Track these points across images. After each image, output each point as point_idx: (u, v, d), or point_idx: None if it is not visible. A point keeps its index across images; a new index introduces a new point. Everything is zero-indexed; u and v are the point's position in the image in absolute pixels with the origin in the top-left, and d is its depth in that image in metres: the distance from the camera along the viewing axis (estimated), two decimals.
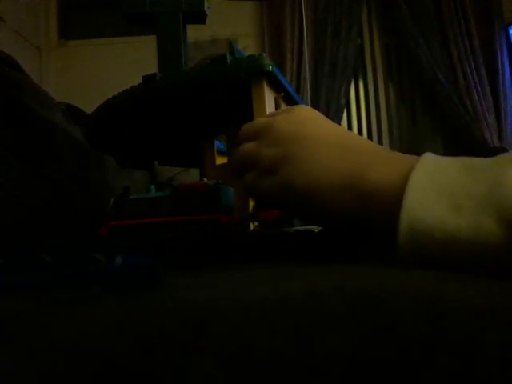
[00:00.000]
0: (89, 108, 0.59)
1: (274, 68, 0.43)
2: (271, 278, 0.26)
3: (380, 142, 3.18)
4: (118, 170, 0.67)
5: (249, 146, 0.39)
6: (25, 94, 0.61)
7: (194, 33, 0.62)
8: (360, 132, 3.23)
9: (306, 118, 0.38)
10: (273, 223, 0.40)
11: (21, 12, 2.93)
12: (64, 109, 0.68)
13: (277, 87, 0.46)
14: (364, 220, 0.31)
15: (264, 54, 0.43)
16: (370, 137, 3.21)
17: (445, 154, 0.31)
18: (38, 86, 0.65)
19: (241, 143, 0.40)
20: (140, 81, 0.47)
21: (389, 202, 0.29)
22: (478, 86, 2.92)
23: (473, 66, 2.94)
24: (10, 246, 0.42)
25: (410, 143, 3.17)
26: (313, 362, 0.15)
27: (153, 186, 0.43)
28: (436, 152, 0.31)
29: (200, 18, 0.53)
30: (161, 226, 0.41)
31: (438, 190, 0.27)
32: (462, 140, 2.95)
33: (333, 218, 0.34)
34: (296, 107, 0.40)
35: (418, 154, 0.31)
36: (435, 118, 3.13)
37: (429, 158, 0.30)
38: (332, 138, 0.36)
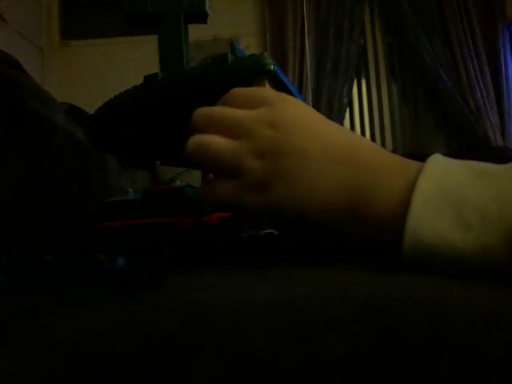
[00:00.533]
0: (91, 108, 0.59)
1: (276, 67, 0.42)
2: (272, 279, 0.26)
3: (383, 141, 3.17)
4: (119, 170, 0.67)
5: (223, 145, 0.33)
6: (26, 94, 0.61)
7: (195, 32, 0.62)
8: (363, 131, 3.23)
9: (295, 118, 0.33)
10: (216, 227, 0.38)
11: (23, 12, 2.93)
12: (66, 109, 0.68)
13: (279, 87, 0.46)
14: (362, 239, 0.30)
15: (266, 54, 0.42)
16: (372, 136, 3.20)
17: (448, 154, 0.30)
18: (40, 86, 0.65)
19: (202, 129, 0.34)
20: (142, 81, 0.46)
21: (392, 219, 0.27)
22: (481, 84, 2.91)
23: (476, 64, 2.93)
24: (10, 246, 0.42)
25: (413, 142, 3.16)
26: (314, 364, 0.15)
27: (131, 189, 0.43)
28: (439, 151, 0.30)
29: (201, 17, 0.53)
30: (128, 229, 0.40)
31: (444, 202, 0.25)
32: (466, 139, 2.94)
33: (326, 238, 0.32)
34: (280, 100, 0.34)
35: (422, 153, 0.30)
36: (438, 117, 3.12)
37: (435, 163, 0.28)
38: (328, 147, 0.31)
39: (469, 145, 2.89)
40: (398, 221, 0.26)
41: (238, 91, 0.36)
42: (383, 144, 3.15)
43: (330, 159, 0.30)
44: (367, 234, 0.29)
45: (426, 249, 0.25)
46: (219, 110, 0.35)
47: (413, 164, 0.29)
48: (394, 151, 3.04)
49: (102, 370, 0.15)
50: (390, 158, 0.31)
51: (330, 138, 0.32)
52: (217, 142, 0.33)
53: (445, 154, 0.29)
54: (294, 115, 0.33)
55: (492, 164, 0.27)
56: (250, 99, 0.35)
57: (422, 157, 0.29)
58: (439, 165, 0.27)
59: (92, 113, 0.53)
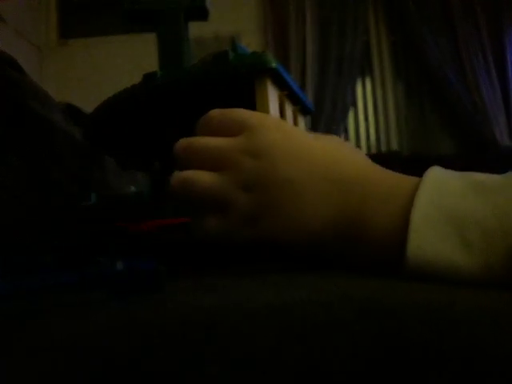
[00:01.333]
0: (89, 107, 0.59)
1: (278, 65, 0.42)
2: (272, 282, 0.26)
3: (388, 141, 3.16)
4: (119, 170, 0.66)
5: (208, 180, 0.32)
6: (25, 94, 0.60)
7: (196, 30, 0.61)
8: (367, 131, 3.20)
9: (277, 144, 0.31)
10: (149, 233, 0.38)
11: (21, 11, 2.93)
12: (64, 108, 0.68)
13: (281, 85, 0.45)
14: (362, 260, 0.29)
15: (268, 51, 0.42)
16: (377, 136, 3.18)
17: (455, 154, 0.29)
18: (39, 86, 0.65)
19: (183, 162, 0.34)
20: (140, 79, 0.46)
21: (392, 243, 0.26)
22: (488, 83, 2.90)
23: (482, 63, 2.92)
24: (9, 247, 0.42)
25: (419, 142, 3.13)
26: (316, 365, 0.15)
27: (94, 194, 0.43)
28: (445, 151, 0.30)
29: (202, 14, 0.53)
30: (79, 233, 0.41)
31: (444, 222, 0.24)
32: (472, 139, 2.92)
33: (324, 258, 0.31)
34: (259, 125, 0.32)
35: (428, 154, 0.30)
36: (444, 117, 3.10)
37: (432, 180, 0.26)
38: (315, 174, 0.30)
39: (476, 145, 2.87)
40: (399, 244, 0.25)
41: (215, 114, 0.35)
42: (388, 144, 3.13)
43: (318, 189, 0.29)
44: (366, 256, 0.28)
45: (428, 269, 0.24)
46: (198, 141, 0.34)
47: (408, 181, 0.28)
48: (399, 151, 3.04)
49: (102, 370, 0.15)
50: (382, 178, 0.29)
51: (316, 162, 0.30)
52: (201, 177, 0.32)
53: (452, 155, 0.28)
54: (276, 141, 0.31)
55: (491, 176, 0.26)
56: (228, 123, 0.34)
57: (427, 158, 0.29)
58: (436, 181, 0.26)
59: (90, 112, 0.53)
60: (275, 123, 0.33)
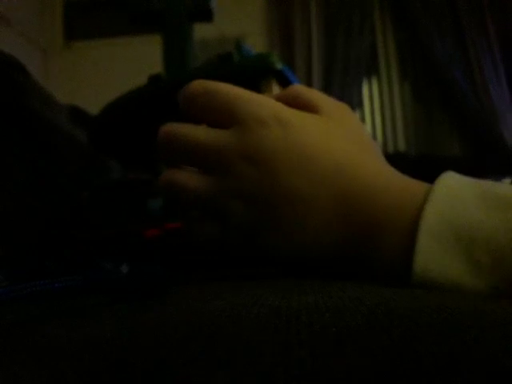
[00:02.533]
0: (95, 109, 0.59)
1: (283, 66, 0.41)
2: (281, 288, 0.26)
3: (395, 142, 3.13)
4: (123, 172, 0.67)
5: (201, 185, 0.28)
6: (29, 96, 0.61)
7: (201, 31, 0.61)
8: (374, 132, 3.19)
9: (279, 149, 0.27)
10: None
11: (26, 14, 2.95)
12: (68, 111, 0.68)
13: (286, 86, 0.45)
14: (370, 272, 0.27)
15: (273, 52, 0.42)
16: (384, 137, 3.16)
17: (463, 155, 0.28)
18: (43, 88, 0.65)
19: (167, 152, 0.29)
20: (146, 81, 0.46)
21: (398, 262, 0.25)
22: (496, 83, 2.88)
23: (490, 63, 2.90)
24: (13, 252, 0.42)
25: (427, 143, 3.10)
26: (325, 374, 0.14)
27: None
28: (453, 151, 0.29)
29: (206, 15, 0.53)
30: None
31: (453, 238, 0.23)
32: (480, 139, 2.89)
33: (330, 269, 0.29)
34: (256, 124, 0.27)
35: (435, 154, 0.29)
36: (452, 117, 3.07)
37: (443, 189, 0.25)
38: (318, 185, 0.26)
39: (484, 146, 2.84)
40: (408, 261, 0.24)
41: (198, 92, 0.29)
42: (395, 145, 3.12)
43: (323, 204, 0.26)
44: (373, 272, 0.27)
45: (434, 286, 0.23)
46: (184, 131, 0.29)
47: (417, 189, 0.26)
48: (406, 152, 3.02)
49: (108, 380, 0.14)
50: (391, 186, 0.27)
51: (321, 172, 0.27)
52: (190, 181, 0.28)
53: (460, 156, 0.27)
54: (276, 142, 0.27)
55: (504, 187, 0.24)
56: (216, 109, 0.29)
57: (435, 159, 0.28)
58: (447, 192, 0.24)
59: (95, 114, 0.53)
60: (273, 115, 0.28)
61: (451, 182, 0.25)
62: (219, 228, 0.29)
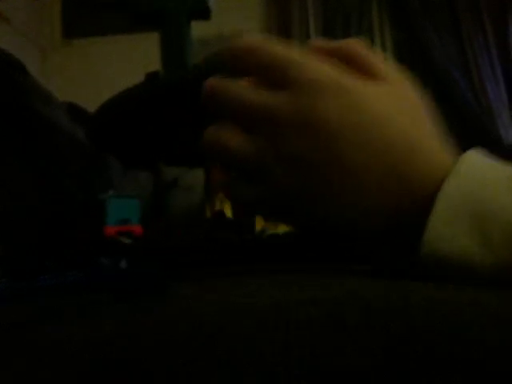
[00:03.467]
0: (93, 107, 0.59)
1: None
2: (280, 282, 0.26)
3: None
4: (123, 171, 0.66)
5: (245, 147, 0.27)
6: (28, 94, 0.60)
7: (199, 29, 0.61)
8: None
9: (337, 120, 0.25)
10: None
11: (24, 12, 2.94)
12: (67, 108, 0.68)
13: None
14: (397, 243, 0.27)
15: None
16: None
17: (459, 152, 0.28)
18: (42, 86, 0.65)
19: (213, 105, 0.29)
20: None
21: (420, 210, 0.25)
22: (493, 82, 2.88)
23: (487, 61, 2.90)
24: (14, 251, 0.42)
25: None
26: (324, 367, 0.15)
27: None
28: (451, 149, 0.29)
29: (205, 13, 0.53)
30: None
31: (469, 214, 0.23)
32: (477, 137, 2.89)
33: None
34: (314, 90, 0.26)
35: None
36: (449, 115, 3.07)
37: (467, 165, 0.25)
38: (373, 156, 0.26)
39: (480, 143, 2.85)
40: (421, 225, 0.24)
41: (254, 46, 0.29)
42: None
43: (376, 179, 0.26)
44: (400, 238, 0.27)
45: (441, 263, 0.24)
46: (233, 90, 0.29)
47: (447, 162, 0.26)
48: None
49: (108, 380, 0.15)
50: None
51: (376, 145, 0.26)
52: (236, 141, 0.27)
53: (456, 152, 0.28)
54: (333, 115, 0.25)
55: None
56: (269, 67, 0.28)
57: None
58: (470, 168, 0.25)
59: (93, 112, 0.53)
60: (333, 81, 0.26)
61: (476, 161, 0.26)
62: (257, 191, 0.28)
